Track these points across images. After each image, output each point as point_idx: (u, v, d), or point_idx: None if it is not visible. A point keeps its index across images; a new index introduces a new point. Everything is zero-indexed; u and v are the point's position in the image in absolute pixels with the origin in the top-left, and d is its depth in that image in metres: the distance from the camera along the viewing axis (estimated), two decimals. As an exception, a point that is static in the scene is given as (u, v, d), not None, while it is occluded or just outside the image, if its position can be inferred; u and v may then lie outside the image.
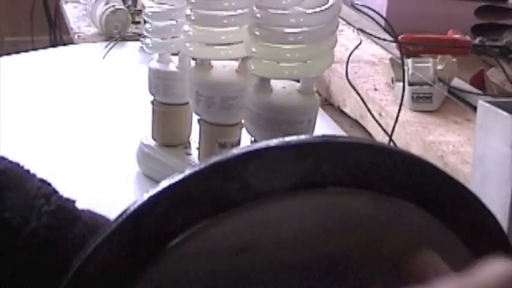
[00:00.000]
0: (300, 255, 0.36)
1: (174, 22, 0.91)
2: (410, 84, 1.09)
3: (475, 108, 0.88)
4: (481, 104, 0.75)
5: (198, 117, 0.87)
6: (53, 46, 1.79)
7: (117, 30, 1.56)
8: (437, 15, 1.44)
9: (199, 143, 0.89)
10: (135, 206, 0.33)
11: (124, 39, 1.55)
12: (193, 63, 0.87)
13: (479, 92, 1.13)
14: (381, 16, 1.26)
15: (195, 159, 0.92)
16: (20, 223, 0.46)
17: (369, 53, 1.36)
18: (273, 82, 0.77)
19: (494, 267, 0.29)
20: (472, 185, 0.75)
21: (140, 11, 1.57)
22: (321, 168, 0.34)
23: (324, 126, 1.11)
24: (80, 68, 1.41)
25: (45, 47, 1.59)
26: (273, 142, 0.34)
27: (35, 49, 1.54)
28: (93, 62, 1.43)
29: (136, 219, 0.33)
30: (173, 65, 0.93)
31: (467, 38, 1.31)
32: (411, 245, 0.37)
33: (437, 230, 0.37)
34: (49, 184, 0.51)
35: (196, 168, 0.33)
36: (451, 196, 0.37)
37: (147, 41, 0.93)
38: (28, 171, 0.51)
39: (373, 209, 0.36)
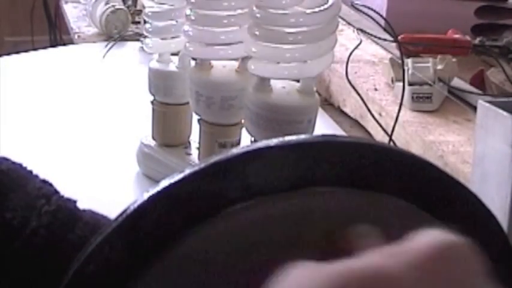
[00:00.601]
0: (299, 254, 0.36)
1: (174, 22, 0.91)
2: (410, 84, 1.10)
3: (475, 108, 0.88)
4: (481, 104, 0.75)
5: (198, 117, 0.87)
6: (53, 46, 1.79)
7: (117, 30, 1.56)
8: (437, 15, 1.44)
9: (199, 143, 0.89)
10: (135, 205, 0.33)
11: (124, 39, 1.55)
12: (193, 63, 0.87)
13: (479, 92, 1.13)
14: (381, 16, 1.26)
15: (195, 159, 0.92)
16: (20, 223, 0.46)
17: (369, 53, 1.36)
18: (272, 82, 0.77)
19: (424, 237, 0.29)
20: (472, 185, 0.75)
21: (140, 11, 1.57)
22: (321, 168, 0.34)
23: (324, 126, 1.11)
24: (80, 68, 1.41)
25: (45, 47, 1.59)
26: (273, 142, 0.34)
27: (35, 49, 1.54)
28: (93, 62, 1.43)
29: (136, 219, 0.33)
30: (173, 65, 0.93)
31: (467, 38, 1.31)
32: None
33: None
34: (50, 184, 0.51)
35: (196, 168, 0.33)
36: (451, 196, 0.37)
37: (147, 41, 0.93)
38: (30, 172, 0.51)
39: (373, 209, 0.36)
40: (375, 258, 0.28)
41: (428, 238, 0.29)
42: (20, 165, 0.52)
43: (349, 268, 0.28)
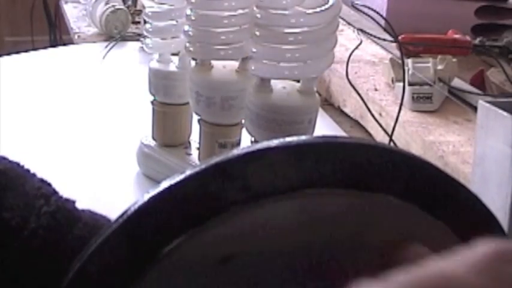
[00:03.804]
0: (297, 255, 0.36)
1: (174, 22, 0.91)
2: (410, 84, 1.10)
3: (475, 108, 0.88)
4: (481, 104, 0.75)
5: (198, 117, 0.87)
6: (53, 46, 1.79)
7: (117, 30, 1.56)
8: (437, 15, 1.44)
9: (200, 143, 0.89)
10: (136, 206, 0.33)
11: (124, 39, 1.55)
12: (193, 63, 0.87)
13: (479, 92, 1.13)
14: (381, 16, 1.27)
15: (195, 159, 0.92)
16: (19, 224, 0.46)
17: (369, 53, 1.36)
18: (273, 82, 0.77)
19: (477, 249, 0.28)
20: (472, 185, 0.75)
21: (140, 11, 1.57)
22: (322, 169, 0.34)
23: (324, 127, 1.11)
24: (80, 68, 1.41)
25: (45, 47, 1.59)
26: (274, 143, 0.34)
27: (35, 49, 1.54)
28: (93, 62, 1.43)
29: (136, 220, 0.33)
30: (173, 65, 0.93)
31: (467, 38, 1.31)
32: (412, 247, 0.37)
33: (437, 231, 0.37)
34: (49, 184, 0.50)
35: (197, 169, 0.33)
36: (451, 196, 0.37)
37: (147, 41, 0.93)
38: (28, 170, 0.51)
39: (373, 210, 0.36)
40: (441, 264, 0.27)
41: (484, 245, 0.28)
42: (18, 163, 0.51)
43: (420, 277, 0.26)
